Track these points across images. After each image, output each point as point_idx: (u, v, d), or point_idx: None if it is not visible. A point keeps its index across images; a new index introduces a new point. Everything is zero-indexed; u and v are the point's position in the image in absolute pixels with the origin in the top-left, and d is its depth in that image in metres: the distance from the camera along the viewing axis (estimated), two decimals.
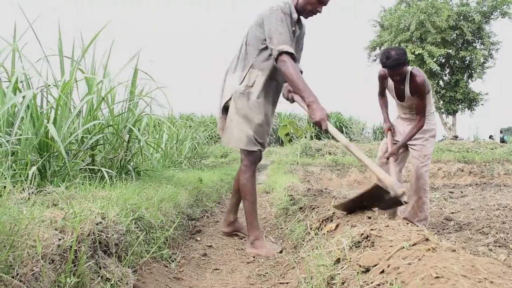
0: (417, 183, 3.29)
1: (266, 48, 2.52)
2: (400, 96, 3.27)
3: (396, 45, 20.16)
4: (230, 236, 3.07)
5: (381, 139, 3.54)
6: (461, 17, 19.80)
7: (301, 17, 2.68)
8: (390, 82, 3.23)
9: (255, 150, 2.62)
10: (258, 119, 2.59)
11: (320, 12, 2.62)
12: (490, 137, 20.88)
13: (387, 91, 3.43)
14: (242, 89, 2.56)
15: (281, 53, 2.35)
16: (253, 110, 2.57)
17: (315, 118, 2.31)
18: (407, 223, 1.75)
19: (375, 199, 2.13)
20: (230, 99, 2.59)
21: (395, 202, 2.13)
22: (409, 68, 3.10)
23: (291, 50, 2.36)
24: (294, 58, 2.39)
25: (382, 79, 3.29)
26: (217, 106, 2.76)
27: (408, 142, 3.34)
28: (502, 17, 19.78)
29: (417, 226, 3.16)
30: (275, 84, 2.68)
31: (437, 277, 1.02)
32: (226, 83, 2.67)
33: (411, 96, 3.16)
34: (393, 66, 2.91)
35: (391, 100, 3.49)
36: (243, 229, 2.98)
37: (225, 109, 2.65)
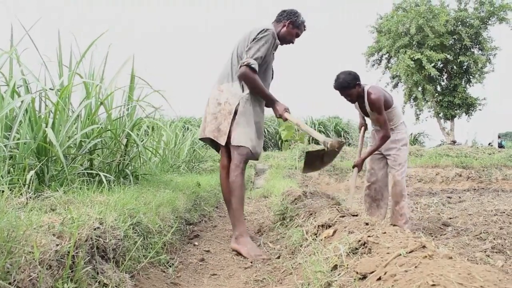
0: (394, 190, 3.50)
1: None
2: (365, 112, 3.57)
3: (395, 50, 20.25)
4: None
5: None
6: (459, 22, 19.89)
7: None
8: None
9: (253, 152, 2.86)
10: (257, 123, 2.91)
11: (293, 43, 3.10)
12: (490, 144, 20.89)
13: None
14: (247, 96, 2.85)
15: (248, 65, 2.73)
16: (254, 115, 2.88)
17: (280, 111, 2.88)
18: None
19: (328, 156, 2.99)
20: (238, 104, 2.82)
21: (332, 152, 2.90)
22: (367, 86, 3.38)
23: (256, 68, 2.75)
24: (255, 70, 2.76)
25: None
26: (209, 110, 2.93)
27: (384, 152, 3.61)
28: (499, 23, 19.89)
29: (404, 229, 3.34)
30: None
31: (433, 285, 1.03)
32: (226, 91, 2.88)
33: (372, 111, 3.42)
34: (338, 88, 3.28)
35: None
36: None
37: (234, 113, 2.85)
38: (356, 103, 3.52)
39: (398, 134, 3.55)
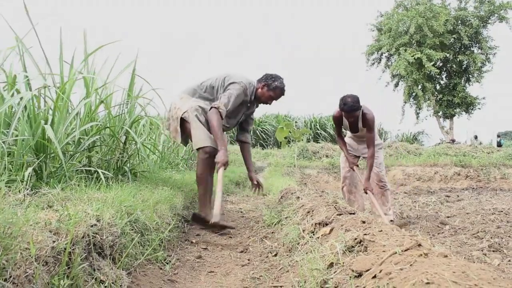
0: (380, 184, 4.14)
1: None
2: (353, 129, 4.09)
3: (395, 48, 20.25)
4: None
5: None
6: (459, 22, 19.88)
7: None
8: (345, 120, 3.97)
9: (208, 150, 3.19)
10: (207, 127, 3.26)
11: (270, 104, 3.54)
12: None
13: (342, 128, 4.23)
14: (196, 107, 3.25)
15: (216, 108, 3.14)
16: (203, 121, 3.25)
17: (218, 159, 3.13)
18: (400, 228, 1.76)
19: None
20: (186, 111, 3.24)
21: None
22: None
23: (224, 112, 3.18)
24: (222, 116, 3.18)
25: (338, 120, 4.06)
26: (172, 116, 3.39)
27: (358, 154, 4.32)
28: (499, 22, 19.89)
29: (389, 214, 4.02)
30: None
31: (428, 283, 1.03)
32: (183, 99, 3.35)
33: (363, 128, 3.96)
34: (349, 111, 3.69)
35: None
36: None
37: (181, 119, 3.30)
38: (346, 120, 3.94)
39: (375, 140, 4.08)
